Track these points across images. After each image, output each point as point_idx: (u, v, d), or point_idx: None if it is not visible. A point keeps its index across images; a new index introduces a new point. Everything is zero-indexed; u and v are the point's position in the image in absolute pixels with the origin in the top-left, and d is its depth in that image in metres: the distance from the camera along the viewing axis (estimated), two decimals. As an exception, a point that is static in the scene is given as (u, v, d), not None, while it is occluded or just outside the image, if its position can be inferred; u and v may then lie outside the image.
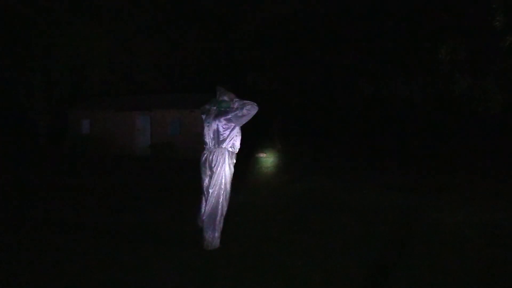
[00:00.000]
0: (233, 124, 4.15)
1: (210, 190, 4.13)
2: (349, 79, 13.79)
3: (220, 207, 4.12)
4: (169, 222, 5.11)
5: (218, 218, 4.12)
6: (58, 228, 4.91)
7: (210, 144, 4.18)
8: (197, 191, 6.51)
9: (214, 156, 4.13)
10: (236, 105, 4.19)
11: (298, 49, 13.39)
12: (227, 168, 4.14)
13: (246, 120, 4.19)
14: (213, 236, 4.10)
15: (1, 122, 13.52)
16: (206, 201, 4.17)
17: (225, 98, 4.23)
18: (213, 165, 4.12)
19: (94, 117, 13.52)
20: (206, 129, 4.22)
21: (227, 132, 4.13)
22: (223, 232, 4.22)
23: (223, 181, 4.12)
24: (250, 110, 4.15)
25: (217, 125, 4.13)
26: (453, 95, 12.37)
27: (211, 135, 4.16)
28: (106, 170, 9.11)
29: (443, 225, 4.94)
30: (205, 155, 4.24)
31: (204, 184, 4.23)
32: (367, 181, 7.54)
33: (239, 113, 4.14)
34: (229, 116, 4.13)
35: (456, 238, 4.48)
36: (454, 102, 12.39)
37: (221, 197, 4.12)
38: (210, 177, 4.16)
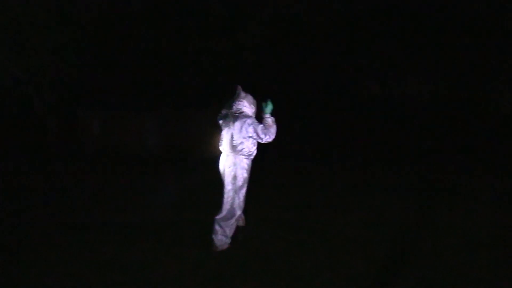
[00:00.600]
0: (250, 135, 4.05)
1: (225, 195, 4.13)
2: (356, 78, 13.74)
3: (235, 212, 4.12)
4: (177, 222, 5.12)
5: (231, 221, 4.12)
6: (61, 228, 4.94)
7: (226, 148, 4.14)
8: (204, 191, 6.55)
9: (229, 161, 4.10)
10: (269, 121, 4.10)
11: (305, 49, 13.35)
12: (239, 174, 4.09)
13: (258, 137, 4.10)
14: (222, 238, 4.11)
15: (10, 122, 13.62)
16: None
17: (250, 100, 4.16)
18: (229, 170, 4.10)
19: (103, 116, 13.59)
20: (223, 132, 4.18)
21: (242, 140, 4.04)
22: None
23: (241, 192, 4.11)
24: (267, 137, 4.07)
25: (233, 130, 4.05)
26: (464, 95, 12.28)
27: (228, 139, 4.10)
28: (113, 169, 9.15)
29: (451, 226, 4.90)
30: (221, 159, 4.22)
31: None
32: (373, 181, 7.49)
33: (260, 130, 4.04)
34: (250, 125, 4.02)
35: (465, 239, 4.44)
36: (465, 101, 12.29)
37: (236, 201, 4.12)
38: (226, 181, 4.13)
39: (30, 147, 11.62)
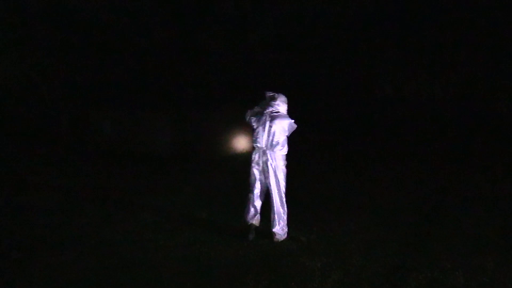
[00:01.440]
0: (287, 133, 4.43)
1: (274, 192, 4.39)
2: (368, 77, 13.66)
3: (284, 204, 4.44)
4: (187, 222, 5.16)
5: (285, 212, 4.44)
6: (69, 226, 5.01)
7: (263, 145, 4.39)
8: (215, 191, 6.59)
9: (269, 159, 4.39)
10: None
11: (315, 48, 13.31)
12: (280, 169, 4.41)
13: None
14: (282, 229, 4.41)
15: (22, 122, 13.84)
16: (256, 198, 4.47)
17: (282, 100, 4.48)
18: (269, 167, 4.38)
19: (115, 116, 13.73)
20: (259, 130, 4.42)
21: (282, 137, 4.38)
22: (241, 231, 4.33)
23: (282, 182, 4.43)
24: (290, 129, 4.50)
25: (274, 129, 4.34)
26: (477, 96, 12.12)
27: (266, 137, 4.38)
28: (124, 168, 9.25)
29: (463, 226, 4.87)
30: (258, 155, 4.45)
31: (256, 182, 4.46)
32: (384, 181, 7.46)
33: (292, 128, 4.47)
34: (288, 124, 4.41)
35: (471, 240, 4.41)
36: (478, 102, 12.13)
37: (283, 195, 4.44)
38: (265, 177, 4.43)
39: (42, 146, 11.78)
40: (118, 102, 14.36)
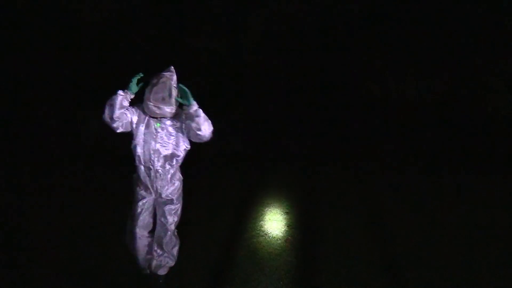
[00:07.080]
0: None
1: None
2: (356, 78, 13.73)
3: None
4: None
5: None
6: (59, 228, 4.92)
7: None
8: (203, 192, 6.55)
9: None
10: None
11: (302, 48, 13.34)
12: None
13: None
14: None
15: (8, 122, 13.59)
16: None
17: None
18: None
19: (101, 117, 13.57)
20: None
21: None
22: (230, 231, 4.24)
23: None
24: None
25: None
26: (462, 95, 12.30)
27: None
28: (112, 169, 9.15)
29: (451, 226, 4.91)
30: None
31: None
32: (373, 181, 7.50)
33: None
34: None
35: (465, 240, 4.45)
36: (462, 101, 12.30)
37: None
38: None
39: (30, 148, 11.60)
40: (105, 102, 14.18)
